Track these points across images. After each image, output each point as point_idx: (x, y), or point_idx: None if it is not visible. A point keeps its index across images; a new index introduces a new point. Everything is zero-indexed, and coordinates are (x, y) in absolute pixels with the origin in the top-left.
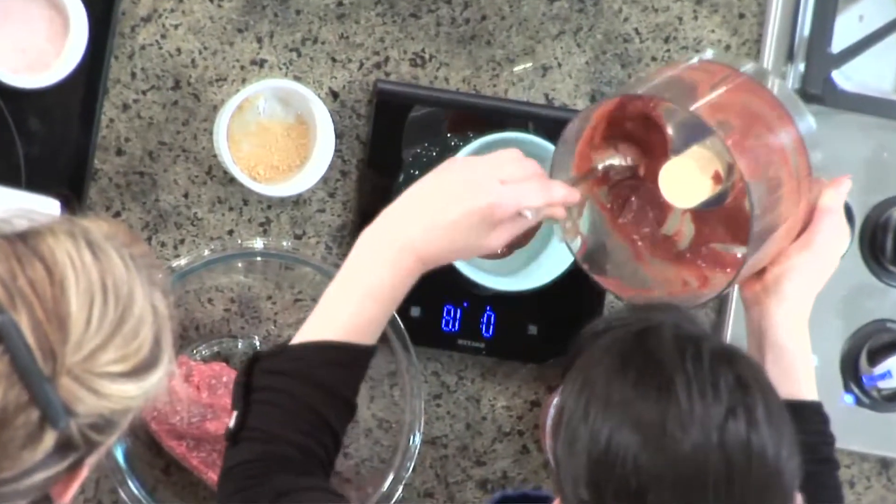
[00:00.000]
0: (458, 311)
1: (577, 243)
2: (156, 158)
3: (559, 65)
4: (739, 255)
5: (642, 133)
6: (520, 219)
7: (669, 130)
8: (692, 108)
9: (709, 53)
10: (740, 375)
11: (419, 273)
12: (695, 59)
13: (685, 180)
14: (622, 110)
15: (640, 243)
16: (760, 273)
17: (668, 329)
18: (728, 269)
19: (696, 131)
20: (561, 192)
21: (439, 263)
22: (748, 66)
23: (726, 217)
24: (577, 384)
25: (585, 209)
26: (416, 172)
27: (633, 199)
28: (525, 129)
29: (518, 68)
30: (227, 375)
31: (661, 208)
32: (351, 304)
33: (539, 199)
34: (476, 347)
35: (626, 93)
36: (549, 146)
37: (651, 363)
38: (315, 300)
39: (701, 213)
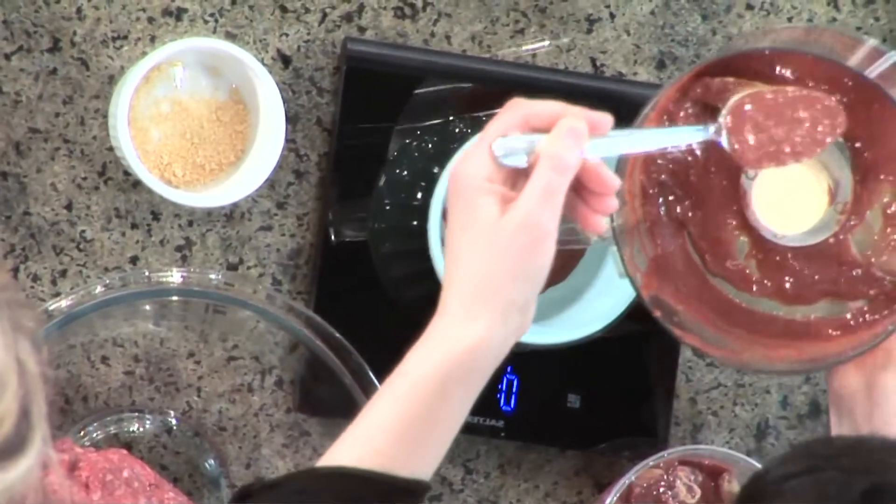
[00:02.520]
0: None
1: (639, 278)
2: (25, 153)
3: (611, 16)
4: (849, 318)
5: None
6: (521, 178)
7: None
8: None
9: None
10: None
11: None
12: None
13: (791, 197)
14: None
15: (705, 308)
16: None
17: None
18: (836, 336)
19: None
20: (551, 108)
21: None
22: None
23: (821, 262)
24: None
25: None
26: (406, 174)
27: (681, 248)
28: None
29: (552, 22)
30: (130, 468)
31: (730, 257)
32: (394, 410)
33: (503, 122)
34: (492, 427)
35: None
36: None
37: None
38: (258, 359)
39: (780, 251)
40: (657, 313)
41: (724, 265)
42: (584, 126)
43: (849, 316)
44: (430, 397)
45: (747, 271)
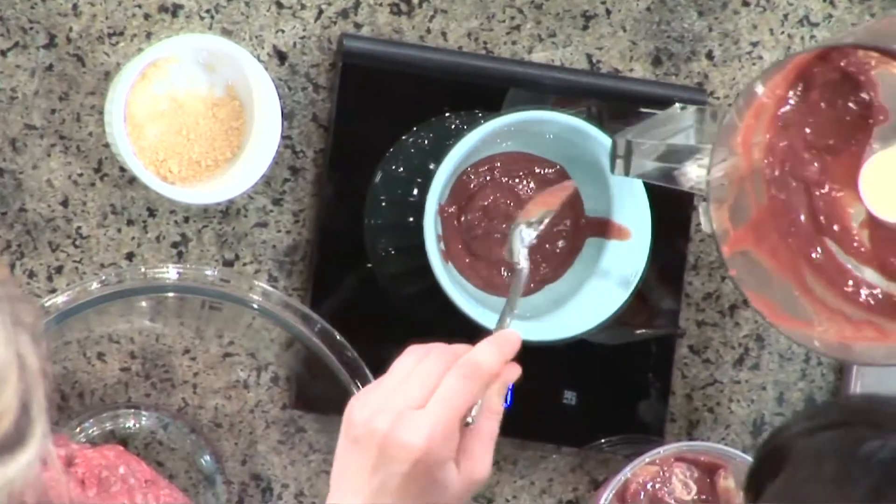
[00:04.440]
0: None
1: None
2: (21, 149)
3: (607, 12)
4: None
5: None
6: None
7: (883, 103)
8: None
9: None
10: None
11: None
12: None
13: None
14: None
15: (804, 266)
16: None
17: None
18: None
19: None
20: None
21: None
22: None
23: None
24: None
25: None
26: (401, 170)
27: (800, 205)
28: (557, 107)
29: (548, 18)
30: (126, 465)
31: (843, 223)
32: None
33: (470, 394)
34: None
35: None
36: (593, 132)
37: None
38: (253, 355)
39: (891, 228)
40: (733, 272)
41: (838, 229)
42: (509, 375)
43: None
44: None
45: (857, 239)
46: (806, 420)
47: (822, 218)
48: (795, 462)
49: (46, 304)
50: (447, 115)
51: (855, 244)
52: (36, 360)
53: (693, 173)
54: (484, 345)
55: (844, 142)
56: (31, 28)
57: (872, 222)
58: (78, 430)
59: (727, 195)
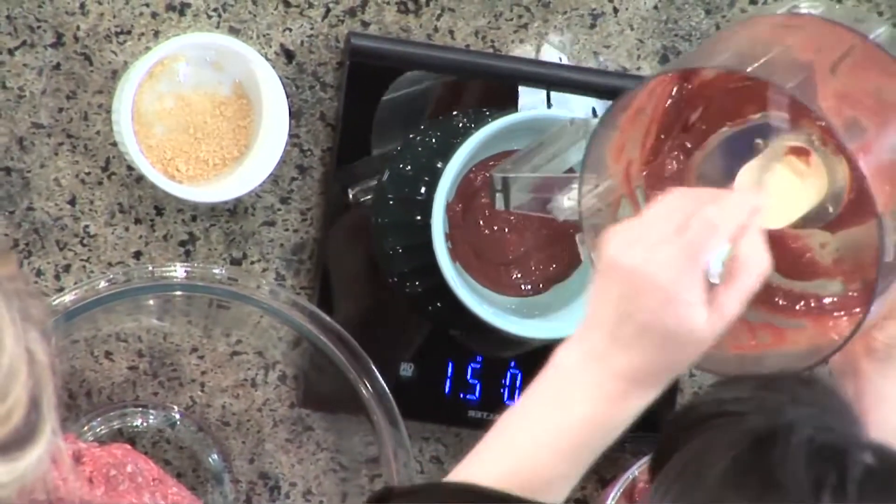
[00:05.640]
0: (469, 370)
1: None
2: (28, 148)
3: (615, 10)
4: (829, 302)
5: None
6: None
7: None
8: (799, 91)
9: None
10: None
11: (634, 406)
12: (796, 7)
13: (776, 189)
14: (685, 88)
15: None
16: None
17: (799, 439)
18: (829, 323)
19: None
20: (744, 205)
21: (658, 380)
22: (881, 31)
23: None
24: (670, 495)
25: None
26: (409, 168)
27: None
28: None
29: (556, 17)
30: (134, 464)
31: None
32: (527, 442)
33: (720, 228)
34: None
35: (689, 65)
36: None
37: (771, 490)
38: (261, 354)
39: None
40: None
41: None
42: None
43: (826, 301)
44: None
45: None
46: (712, 401)
47: None
48: (690, 450)
49: (54, 303)
50: (454, 113)
51: None
52: (45, 355)
53: (565, 204)
54: (735, 195)
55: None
56: (39, 27)
57: None
58: (86, 428)
59: (606, 219)
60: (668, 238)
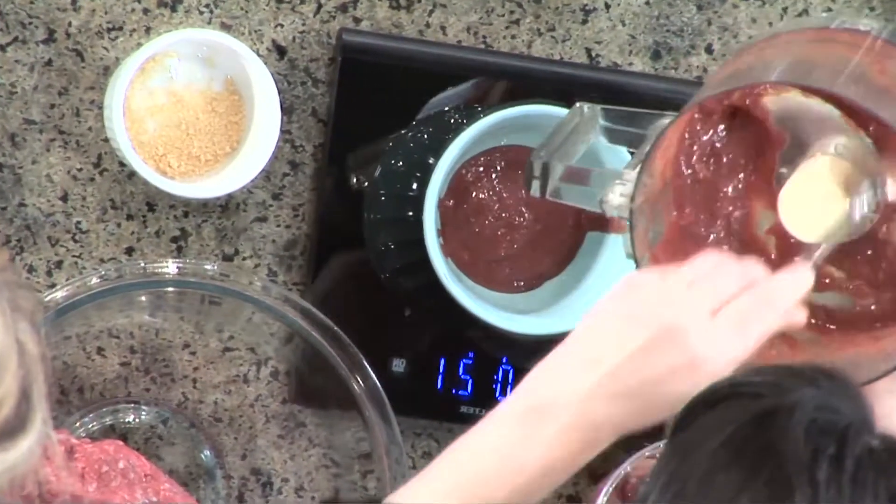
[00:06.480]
0: (461, 365)
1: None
2: (20, 144)
3: (606, 6)
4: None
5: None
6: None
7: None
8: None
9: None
10: None
11: (586, 458)
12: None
13: (812, 202)
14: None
15: None
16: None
17: (803, 413)
18: (862, 336)
19: (822, 130)
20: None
21: (625, 432)
22: (879, 27)
23: (862, 257)
24: (668, 470)
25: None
26: (401, 164)
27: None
28: (557, 101)
29: (548, 12)
30: (126, 460)
31: (751, 232)
32: (475, 474)
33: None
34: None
35: (744, 84)
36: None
37: (768, 462)
38: (253, 350)
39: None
40: None
41: (746, 239)
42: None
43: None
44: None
45: (765, 245)
46: (727, 385)
47: (731, 229)
48: (694, 430)
49: (46, 299)
50: (446, 109)
51: (763, 253)
52: (35, 346)
53: (615, 201)
54: (786, 275)
55: (752, 163)
56: (31, 23)
57: (778, 231)
58: (78, 424)
59: (645, 217)
60: (713, 304)
